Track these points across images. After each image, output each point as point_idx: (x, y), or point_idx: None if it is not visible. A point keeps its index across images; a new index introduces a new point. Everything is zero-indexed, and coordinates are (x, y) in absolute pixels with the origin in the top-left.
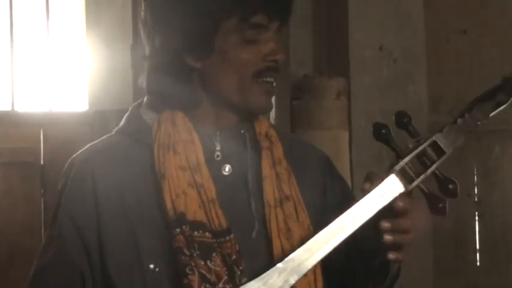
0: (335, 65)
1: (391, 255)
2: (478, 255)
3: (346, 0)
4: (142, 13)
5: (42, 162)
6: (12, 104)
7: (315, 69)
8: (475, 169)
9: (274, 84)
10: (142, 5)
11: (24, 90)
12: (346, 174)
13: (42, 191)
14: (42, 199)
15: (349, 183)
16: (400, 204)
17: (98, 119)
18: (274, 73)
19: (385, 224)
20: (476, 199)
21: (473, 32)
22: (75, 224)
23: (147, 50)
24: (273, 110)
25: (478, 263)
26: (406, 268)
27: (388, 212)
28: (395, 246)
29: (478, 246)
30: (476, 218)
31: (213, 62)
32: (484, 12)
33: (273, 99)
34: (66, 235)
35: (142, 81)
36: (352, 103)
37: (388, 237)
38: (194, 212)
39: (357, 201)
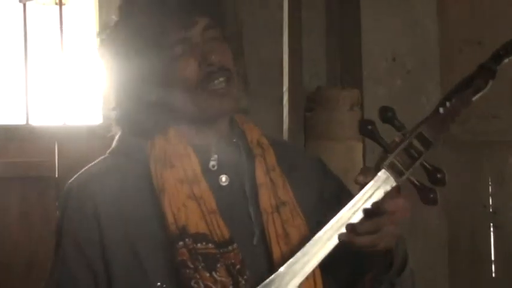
0: (348, 76)
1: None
2: (493, 266)
3: (359, 11)
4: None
5: (57, 176)
6: (27, 118)
7: (328, 81)
8: (490, 179)
9: (224, 85)
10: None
11: (39, 104)
12: None
13: (57, 204)
14: (58, 212)
15: None
16: (390, 205)
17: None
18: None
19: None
20: (491, 210)
21: (487, 43)
22: (79, 250)
23: (115, 96)
24: (286, 121)
25: (493, 274)
26: (422, 279)
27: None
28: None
29: (493, 258)
30: (492, 228)
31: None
32: (497, 23)
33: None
34: (71, 263)
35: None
36: (366, 114)
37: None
38: (196, 224)
39: (352, 198)
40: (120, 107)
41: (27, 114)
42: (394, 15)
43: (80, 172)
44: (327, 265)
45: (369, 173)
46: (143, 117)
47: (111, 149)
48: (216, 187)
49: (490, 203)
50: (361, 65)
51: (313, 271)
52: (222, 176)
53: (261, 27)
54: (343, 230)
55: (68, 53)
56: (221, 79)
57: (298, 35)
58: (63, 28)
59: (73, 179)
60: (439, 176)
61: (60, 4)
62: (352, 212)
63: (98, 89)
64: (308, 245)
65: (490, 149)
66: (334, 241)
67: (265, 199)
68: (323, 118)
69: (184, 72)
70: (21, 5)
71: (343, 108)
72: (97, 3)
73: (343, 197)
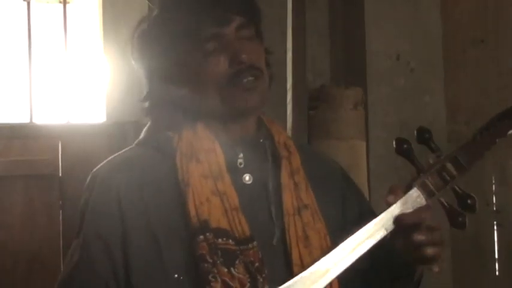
0: (352, 75)
1: (435, 268)
2: (497, 264)
3: (362, 10)
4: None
5: (60, 174)
6: (31, 116)
7: (332, 80)
8: (493, 178)
9: (252, 83)
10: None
11: (42, 103)
12: (363, 184)
13: (61, 202)
14: (61, 211)
15: (366, 193)
16: (425, 216)
17: (115, 131)
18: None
19: (420, 237)
20: (494, 208)
21: (491, 42)
22: (101, 238)
23: (147, 87)
24: (290, 119)
25: (497, 273)
26: (425, 278)
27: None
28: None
29: (497, 256)
30: (495, 227)
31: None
32: (501, 22)
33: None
34: (91, 249)
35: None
36: (370, 113)
37: (430, 251)
38: (218, 219)
39: (382, 212)
40: (151, 99)
41: (30, 112)
42: (398, 14)
43: (106, 161)
44: (345, 278)
45: (398, 192)
46: (172, 111)
47: (138, 140)
48: (239, 185)
49: (494, 201)
50: (364, 63)
51: (331, 281)
52: (246, 174)
53: (264, 26)
54: (369, 242)
55: (71, 51)
56: (250, 78)
57: (302, 33)
58: (67, 26)
59: (98, 167)
60: (469, 201)
61: (64, 2)
62: (380, 226)
63: (101, 88)
64: (332, 253)
65: (494, 147)
66: (359, 253)
67: (288, 201)
68: (326, 117)
69: (215, 69)
70: (25, 3)
71: (347, 107)
72: (101, 2)
73: (363, 205)
